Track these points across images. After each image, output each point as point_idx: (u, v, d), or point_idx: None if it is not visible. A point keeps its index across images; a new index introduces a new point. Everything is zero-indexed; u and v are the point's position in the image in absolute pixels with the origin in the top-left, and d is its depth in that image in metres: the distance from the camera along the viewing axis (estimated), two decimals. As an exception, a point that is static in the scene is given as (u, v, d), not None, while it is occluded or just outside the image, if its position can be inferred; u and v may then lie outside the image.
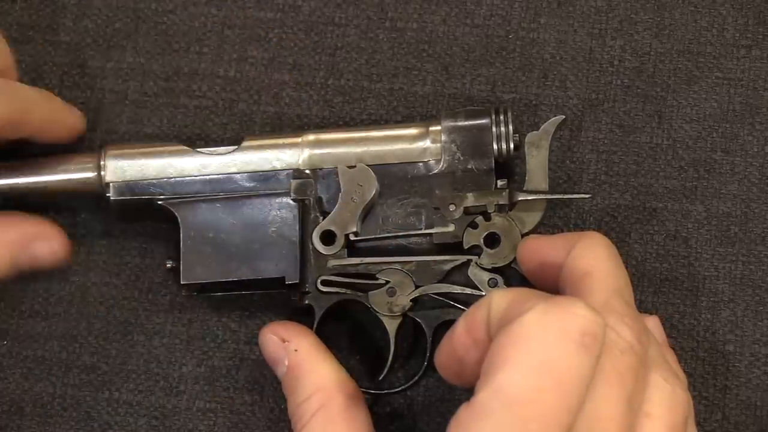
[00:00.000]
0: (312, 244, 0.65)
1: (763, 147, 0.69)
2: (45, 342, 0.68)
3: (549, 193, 0.65)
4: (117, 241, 0.69)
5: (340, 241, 0.65)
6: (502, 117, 0.65)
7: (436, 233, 0.65)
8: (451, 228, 0.64)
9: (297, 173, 0.65)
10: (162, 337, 0.68)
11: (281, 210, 0.65)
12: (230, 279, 0.65)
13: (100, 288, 0.69)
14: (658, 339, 0.59)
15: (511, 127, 0.65)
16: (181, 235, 0.65)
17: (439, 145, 0.65)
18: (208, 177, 0.66)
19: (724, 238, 0.69)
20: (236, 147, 0.66)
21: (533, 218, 0.65)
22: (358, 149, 0.65)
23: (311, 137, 0.66)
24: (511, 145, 0.65)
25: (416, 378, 0.65)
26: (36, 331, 0.68)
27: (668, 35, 0.71)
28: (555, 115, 0.68)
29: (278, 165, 0.66)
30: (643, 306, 0.68)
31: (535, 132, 0.65)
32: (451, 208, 0.64)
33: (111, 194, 0.66)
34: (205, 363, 0.68)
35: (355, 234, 0.65)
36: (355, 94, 0.70)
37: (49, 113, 0.66)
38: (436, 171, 0.65)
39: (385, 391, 0.66)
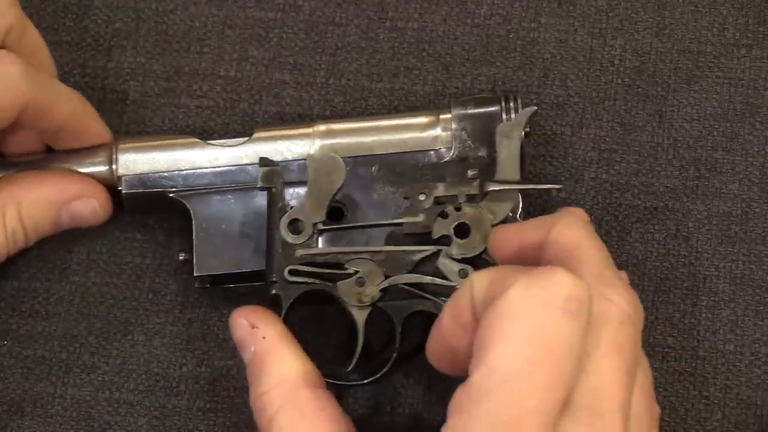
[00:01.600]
0: (279, 233, 0.64)
1: (764, 146, 0.70)
2: (45, 342, 0.68)
3: (521, 183, 0.64)
4: (117, 241, 0.69)
5: (308, 230, 0.64)
6: (511, 104, 0.65)
7: (405, 223, 0.64)
8: (420, 218, 0.64)
9: (264, 161, 0.65)
10: (162, 337, 0.68)
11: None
12: (243, 270, 0.65)
13: (100, 288, 0.69)
14: None
15: None
16: (194, 227, 0.65)
17: (449, 133, 0.65)
18: (219, 169, 0.66)
19: (725, 237, 0.69)
20: (247, 138, 0.66)
21: (504, 209, 0.63)
22: (369, 138, 0.65)
23: (322, 127, 0.66)
24: (522, 132, 0.64)
25: (385, 369, 0.64)
26: (36, 331, 0.68)
27: (669, 35, 0.71)
28: (555, 114, 0.68)
29: (289, 156, 0.66)
30: (643, 306, 0.67)
31: (507, 122, 0.65)
32: (421, 197, 0.64)
33: (123, 188, 0.66)
34: (205, 363, 0.68)
35: (324, 223, 0.64)
36: (356, 94, 0.71)
37: (76, 114, 0.65)
38: (447, 159, 0.65)
39: (353, 383, 0.65)
